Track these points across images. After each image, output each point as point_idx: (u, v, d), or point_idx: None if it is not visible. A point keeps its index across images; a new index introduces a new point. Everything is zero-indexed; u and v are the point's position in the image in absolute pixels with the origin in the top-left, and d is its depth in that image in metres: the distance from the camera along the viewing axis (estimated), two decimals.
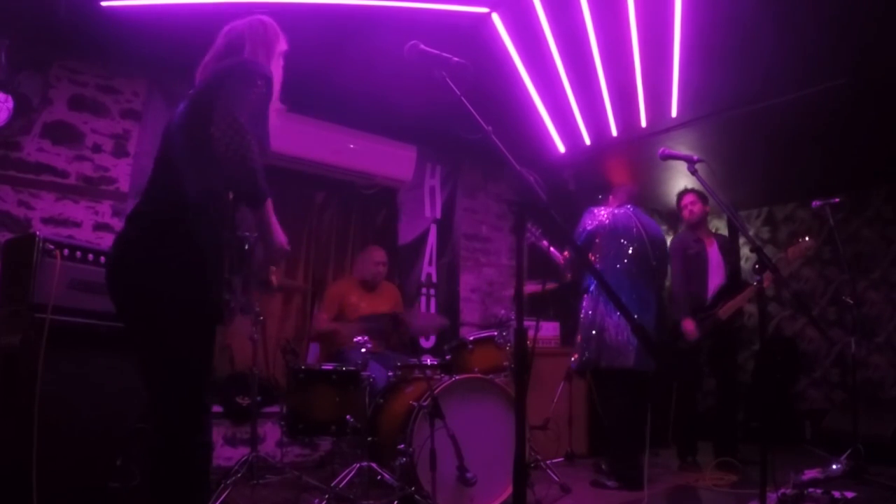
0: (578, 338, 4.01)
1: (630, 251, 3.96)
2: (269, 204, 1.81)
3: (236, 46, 1.97)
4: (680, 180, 6.05)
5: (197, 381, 1.77)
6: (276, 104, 2.00)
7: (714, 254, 4.52)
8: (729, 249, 4.55)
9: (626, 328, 3.77)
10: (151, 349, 1.77)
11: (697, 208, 4.54)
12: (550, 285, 4.56)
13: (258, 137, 1.76)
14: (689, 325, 4.30)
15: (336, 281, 4.93)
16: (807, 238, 4.29)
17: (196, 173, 1.79)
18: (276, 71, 2.06)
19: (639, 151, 5.29)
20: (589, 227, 4.04)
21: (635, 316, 3.73)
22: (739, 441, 4.42)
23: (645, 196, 4.34)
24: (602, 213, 4.09)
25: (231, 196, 1.92)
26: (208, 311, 1.80)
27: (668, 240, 4.83)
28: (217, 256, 1.84)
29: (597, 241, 4.00)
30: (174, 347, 1.75)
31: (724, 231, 7.25)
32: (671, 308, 4.61)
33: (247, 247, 2.09)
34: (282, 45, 2.12)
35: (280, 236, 1.89)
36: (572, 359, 4.05)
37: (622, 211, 4.09)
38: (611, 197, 4.29)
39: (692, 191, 4.60)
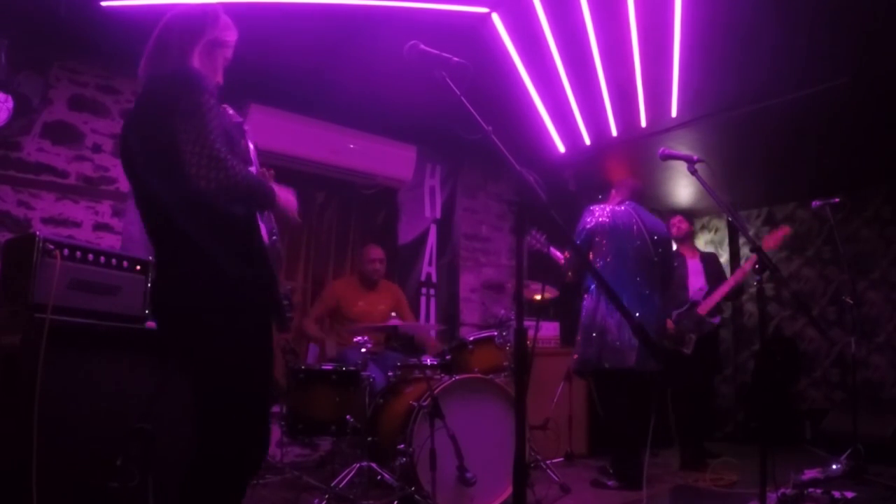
0: (578, 338, 4.00)
1: (630, 250, 3.93)
2: (275, 189, 1.82)
3: (164, 41, 1.89)
4: (680, 180, 6.06)
5: (262, 410, 1.75)
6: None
7: (694, 264, 4.85)
8: (712, 262, 4.92)
9: (627, 328, 3.75)
10: (211, 379, 1.71)
11: (684, 226, 4.95)
12: (550, 293, 4.57)
13: (233, 148, 1.74)
14: (668, 324, 4.47)
15: (334, 280, 4.93)
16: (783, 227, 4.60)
17: (191, 198, 1.69)
18: (211, 62, 1.91)
19: (639, 151, 5.29)
20: (588, 226, 4.01)
21: (636, 315, 3.73)
22: (704, 440, 4.56)
23: (645, 196, 4.32)
24: (601, 211, 4.05)
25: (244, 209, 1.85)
26: (272, 320, 1.79)
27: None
28: (263, 267, 1.79)
29: (596, 239, 3.97)
30: (237, 374, 1.71)
31: (724, 231, 7.27)
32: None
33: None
34: (220, 34, 1.94)
35: (288, 198, 1.89)
36: (574, 357, 4.04)
37: (622, 208, 4.06)
38: (613, 192, 4.27)
39: (679, 213, 5.08)
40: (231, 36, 1.98)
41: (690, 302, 4.58)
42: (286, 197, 1.88)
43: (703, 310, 4.48)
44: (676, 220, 4.97)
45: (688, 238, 5.00)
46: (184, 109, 1.65)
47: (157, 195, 1.73)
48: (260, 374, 1.75)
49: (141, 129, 1.76)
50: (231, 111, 1.90)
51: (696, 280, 4.75)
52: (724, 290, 4.45)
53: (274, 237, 1.92)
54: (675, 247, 4.71)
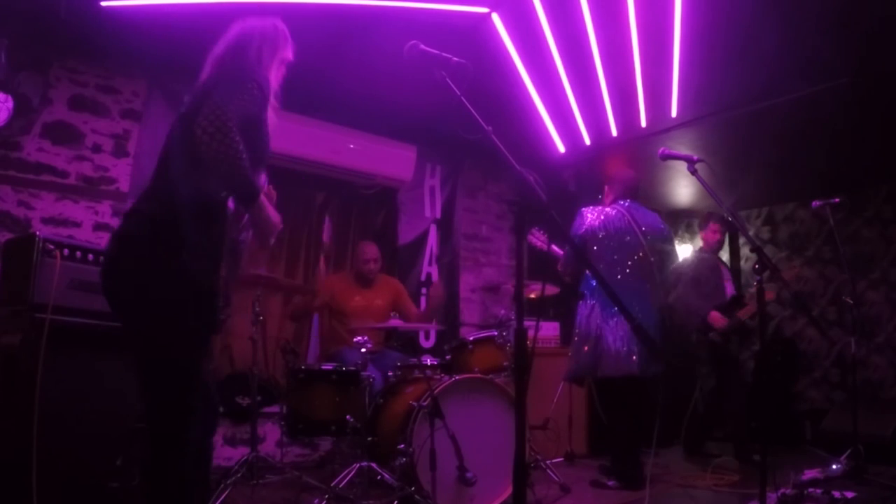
0: (573, 346, 3.94)
1: (624, 254, 3.83)
2: (261, 196, 1.82)
3: (244, 44, 1.99)
4: (680, 180, 6.06)
5: (185, 384, 1.77)
6: (272, 107, 1.99)
7: (725, 271, 5.04)
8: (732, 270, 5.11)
9: (624, 335, 3.69)
10: (141, 350, 1.79)
11: (719, 235, 4.99)
12: (551, 290, 4.56)
13: (253, 141, 1.77)
14: (716, 315, 4.61)
15: (331, 274, 4.92)
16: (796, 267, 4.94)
17: (189, 175, 1.79)
18: (276, 76, 2.07)
19: (639, 151, 5.29)
20: (580, 232, 3.90)
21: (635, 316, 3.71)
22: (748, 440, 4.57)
23: (645, 196, 4.32)
24: (593, 215, 3.94)
25: (226, 197, 1.91)
26: (201, 321, 1.80)
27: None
28: (210, 261, 1.83)
29: (588, 245, 3.86)
30: (162, 350, 1.76)
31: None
32: (687, 317, 4.78)
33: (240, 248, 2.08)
34: (288, 53, 2.13)
35: (275, 219, 1.89)
36: (569, 366, 4.00)
37: (615, 210, 3.94)
38: (606, 189, 4.18)
39: (720, 219, 4.98)
40: (291, 56, 2.16)
41: (732, 297, 4.75)
42: (272, 212, 1.89)
43: (743, 315, 4.61)
44: (714, 227, 4.99)
45: (722, 245, 5.11)
46: (227, 82, 1.79)
47: (174, 183, 1.79)
48: (197, 359, 1.81)
49: (192, 108, 1.81)
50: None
51: (729, 286, 4.92)
52: (752, 308, 4.54)
53: (240, 240, 1.93)
54: (676, 245, 4.71)
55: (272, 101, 1.98)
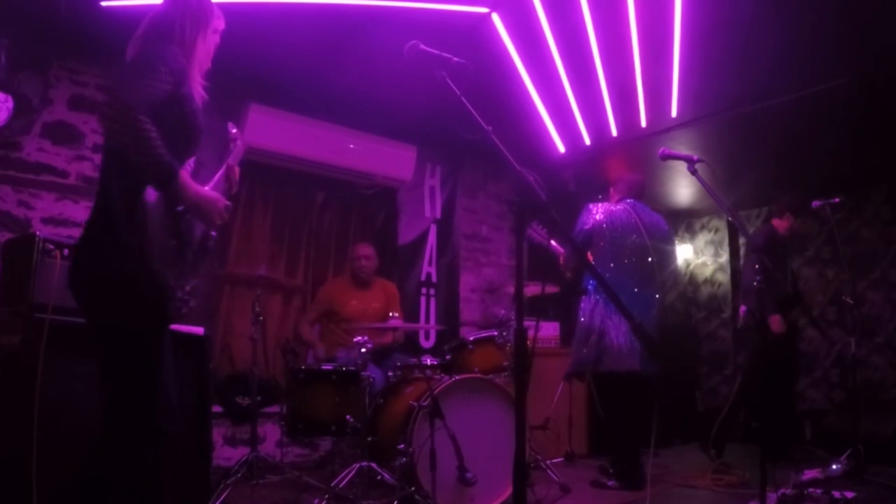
0: (575, 340, 3.95)
1: (628, 250, 3.87)
2: (183, 176, 1.78)
3: (162, 23, 1.93)
4: (680, 180, 6.06)
5: (143, 385, 1.77)
6: (198, 83, 1.96)
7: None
8: None
9: (628, 331, 3.71)
10: (103, 350, 1.82)
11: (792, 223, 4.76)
12: (551, 289, 4.56)
13: (173, 123, 1.78)
14: (776, 321, 4.40)
15: (329, 281, 4.93)
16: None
17: (116, 172, 1.78)
18: (206, 49, 2.01)
19: (639, 151, 5.29)
20: (586, 227, 3.95)
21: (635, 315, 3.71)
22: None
23: (646, 191, 4.31)
24: (599, 211, 3.98)
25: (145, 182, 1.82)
26: (150, 313, 1.79)
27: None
28: (141, 252, 1.76)
29: (594, 241, 3.91)
30: (118, 351, 1.79)
31: (725, 231, 7.25)
32: (748, 300, 4.49)
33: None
34: (217, 23, 2.05)
35: (208, 199, 1.85)
36: (571, 361, 4.01)
37: (620, 207, 3.99)
38: (611, 190, 4.22)
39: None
40: (222, 25, 2.09)
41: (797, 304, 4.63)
42: (208, 195, 1.85)
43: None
44: (786, 219, 4.76)
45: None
46: (134, 65, 1.78)
47: (107, 183, 1.82)
48: (154, 357, 1.81)
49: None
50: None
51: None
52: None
53: (190, 227, 1.88)
54: (677, 244, 4.70)
55: (199, 79, 1.95)
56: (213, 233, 2.03)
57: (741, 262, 4.47)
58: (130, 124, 1.64)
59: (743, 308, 4.59)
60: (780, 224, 4.77)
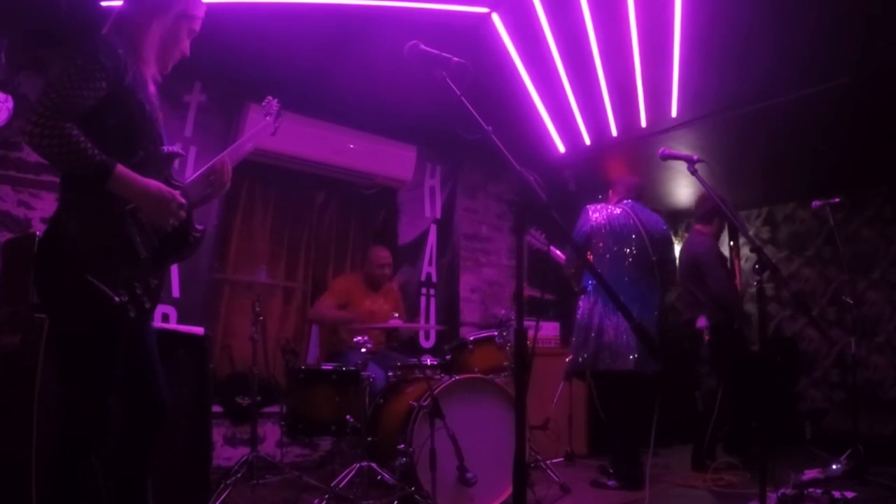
0: (574, 339, 3.96)
1: (628, 251, 3.89)
2: (123, 172, 1.73)
3: (123, 18, 1.89)
4: (680, 180, 6.06)
5: (79, 390, 1.75)
6: (151, 68, 1.92)
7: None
8: None
9: (626, 330, 3.71)
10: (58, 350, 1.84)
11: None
12: (549, 297, 4.55)
13: (113, 121, 1.75)
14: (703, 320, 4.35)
15: (342, 275, 4.93)
16: None
17: (62, 179, 1.81)
18: (173, 35, 1.95)
19: (639, 151, 5.29)
20: (585, 228, 3.96)
21: (634, 315, 3.71)
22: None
23: (645, 193, 4.32)
24: (598, 212, 4.00)
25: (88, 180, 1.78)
26: (82, 318, 1.75)
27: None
28: (79, 260, 1.73)
29: (594, 242, 3.92)
30: (60, 354, 1.81)
31: (725, 231, 7.25)
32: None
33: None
34: (186, 8, 1.96)
35: (156, 196, 1.79)
36: (568, 360, 4.02)
37: (619, 209, 4.01)
38: (611, 192, 4.24)
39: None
40: (199, 10, 2.01)
41: None
42: (156, 191, 1.79)
43: None
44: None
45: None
46: (67, 64, 1.70)
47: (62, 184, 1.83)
48: (105, 356, 1.78)
49: None
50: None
51: None
52: None
53: (125, 238, 1.82)
54: (676, 244, 4.70)
55: (153, 65, 1.92)
56: (199, 226, 2.02)
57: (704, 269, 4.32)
58: (49, 133, 1.63)
59: (703, 321, 4.37)
60: (706, 230, 4.67)
